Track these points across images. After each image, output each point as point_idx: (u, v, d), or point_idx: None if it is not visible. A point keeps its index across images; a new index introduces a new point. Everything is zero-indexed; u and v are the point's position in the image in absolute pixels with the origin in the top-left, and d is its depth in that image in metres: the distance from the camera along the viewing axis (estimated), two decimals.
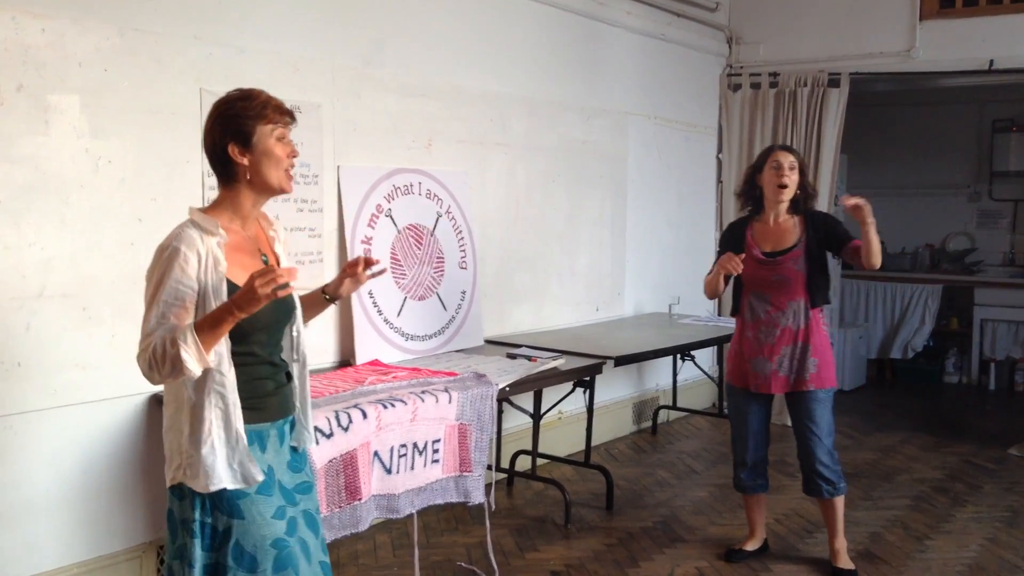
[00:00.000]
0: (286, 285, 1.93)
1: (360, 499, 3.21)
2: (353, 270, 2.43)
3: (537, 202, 5.17)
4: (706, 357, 6.24)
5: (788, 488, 4.80)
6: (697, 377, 6.34)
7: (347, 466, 3.17)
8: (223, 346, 2.07)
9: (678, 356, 5.85)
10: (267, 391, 2.21)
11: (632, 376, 5.92)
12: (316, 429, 2.86)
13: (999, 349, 7.63)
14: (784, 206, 3.70)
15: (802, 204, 3.70)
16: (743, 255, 3.57)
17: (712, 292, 3.75)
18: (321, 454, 3.01)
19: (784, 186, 3.63)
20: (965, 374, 7.81)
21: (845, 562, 3.80)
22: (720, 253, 3.81)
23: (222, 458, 2.09)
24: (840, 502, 3.76)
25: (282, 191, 2.22)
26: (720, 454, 5.58)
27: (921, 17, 5.94)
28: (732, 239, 3.79)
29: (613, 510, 4.56)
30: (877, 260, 3.49)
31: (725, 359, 3.95)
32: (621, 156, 5.78)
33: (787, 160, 3.64)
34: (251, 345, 2.18)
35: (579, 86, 5.41)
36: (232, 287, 2.09)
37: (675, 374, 6.04)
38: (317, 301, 2.48)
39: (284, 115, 2.20)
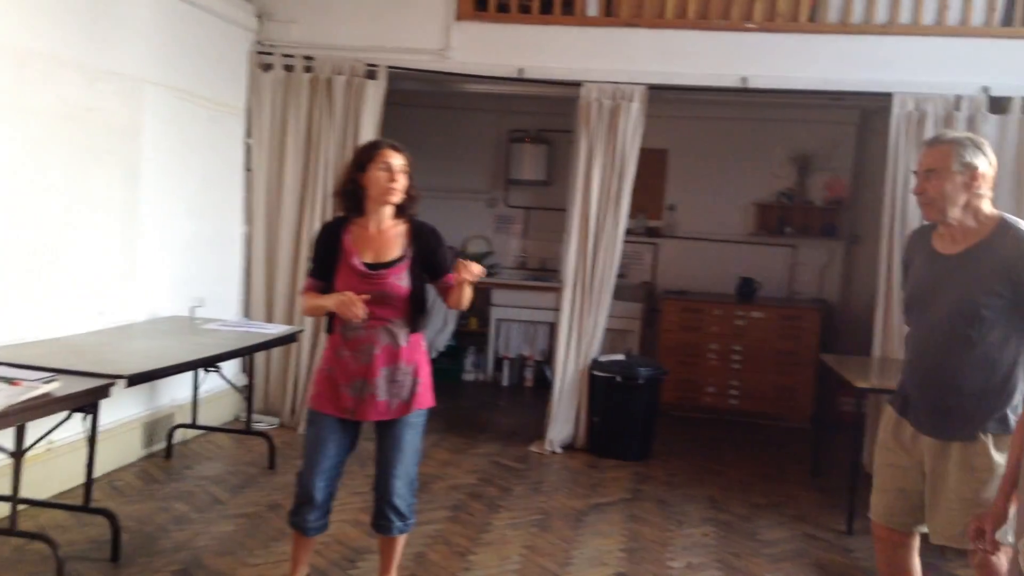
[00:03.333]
0: None
1: None
2: None
3: (27, 179, 4.09)
4: (231, 365, 5.56)
5: None
6: (220, 388, 5.64)
7: None
8: None
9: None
10: None
11: (143, 392, 5.02)
12: None
13: (512, 347, 8.07)
14: (390, 211, 3.26)
15: (408, 209, 3.29)
16: (365, 296, 3.07)
17: (313, 315, 3.25)
18: None
19: (395, 191, 3.20)
20: (482, 371, 8.13)
21: None
22: (315, 259, 3.28)
23: None
24: (404, 538, 3.41)
25: None
26: (247, 476, 4.97)
27: (458, 17, 5.92)
28: (328, 244, 3.25)
29: (120, 561, 3.71)
30: (464, 306, 3.29)
31: (314, 378, 3.38)
32: (134, 131, 4.86)
33: (397, 161, 3.21)
34: None
35: (83, 40, 4.41)
36: None
37: (196, 388, 5.27)
38: None
39: None
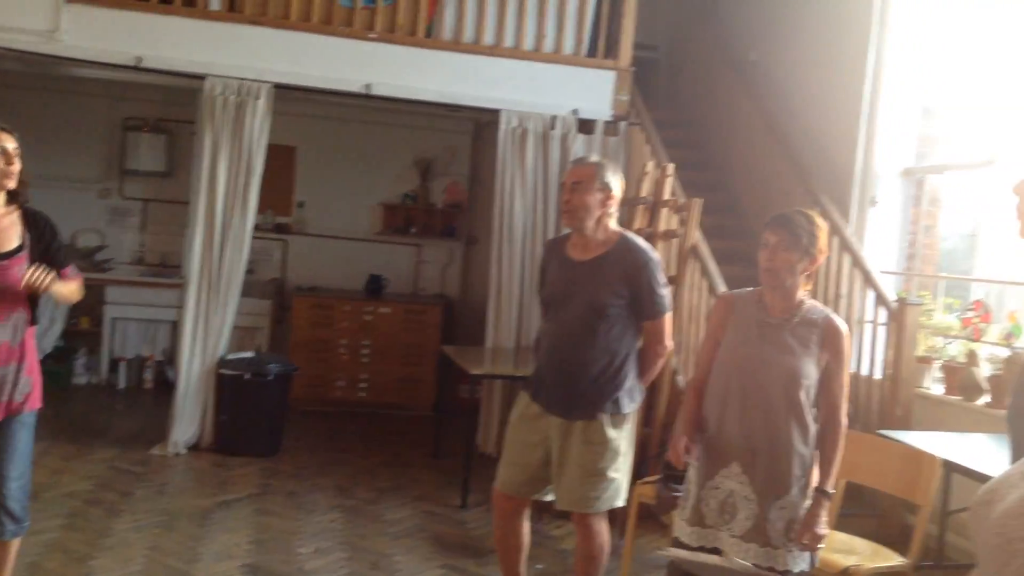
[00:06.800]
0: None
1: None
2: None
3: None
4: None
5: None
6: None
7: None
8: None
9: None
10: None
11: None
12: None
13: (129, 348, 7.67)
14: (3, 198, 3.04)
15: (20, 195, 3.08)
16: None
17: None
18: None
19: (12, 176, 2.99)
20: (95, 374, 7.63)
21: None
22: None
23: None
24: (18, 542, 3.22)
25: None
26: None
27: None
28: None
29: None
30: (74, 298, 3.19)
31: None
32: None
33: (11, 144, 2.99)
34: None
35: None
36: None
37: None
38: None
39: None
